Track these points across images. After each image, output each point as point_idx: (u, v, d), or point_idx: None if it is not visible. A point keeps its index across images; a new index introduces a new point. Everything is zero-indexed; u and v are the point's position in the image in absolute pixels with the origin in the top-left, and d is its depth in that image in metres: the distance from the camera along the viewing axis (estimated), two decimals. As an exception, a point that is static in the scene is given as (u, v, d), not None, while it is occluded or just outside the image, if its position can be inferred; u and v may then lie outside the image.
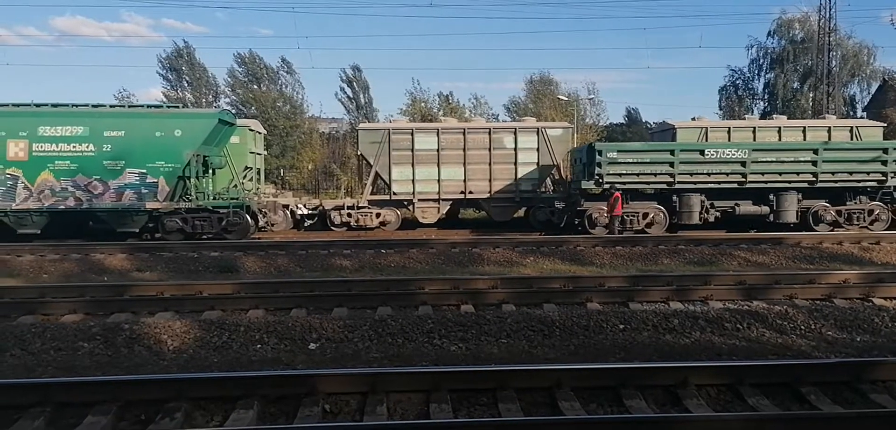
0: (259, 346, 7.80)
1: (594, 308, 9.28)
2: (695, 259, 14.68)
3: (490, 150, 22.98)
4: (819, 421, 5.19)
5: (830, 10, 41.68)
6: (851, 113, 46.38)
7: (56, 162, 18.77)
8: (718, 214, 20.07)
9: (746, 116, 36.83)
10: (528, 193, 22.82)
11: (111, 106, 20.67)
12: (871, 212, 20.02)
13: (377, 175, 23.38)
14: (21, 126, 18.71)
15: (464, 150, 23.00)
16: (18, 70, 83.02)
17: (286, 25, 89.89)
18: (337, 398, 5.82)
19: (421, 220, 23.11)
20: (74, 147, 18.78)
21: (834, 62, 43.25)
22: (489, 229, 22.25)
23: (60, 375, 6.77)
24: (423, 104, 43.23)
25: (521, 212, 23.61)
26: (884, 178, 19.89)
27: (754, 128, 23.84)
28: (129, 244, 17.01)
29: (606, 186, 19.42)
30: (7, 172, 18.72)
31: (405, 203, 23.18)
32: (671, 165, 19.66)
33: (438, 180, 22.99)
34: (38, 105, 19.47)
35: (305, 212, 22.98)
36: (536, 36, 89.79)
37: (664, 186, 19.90)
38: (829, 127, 23.62)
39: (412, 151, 22.98)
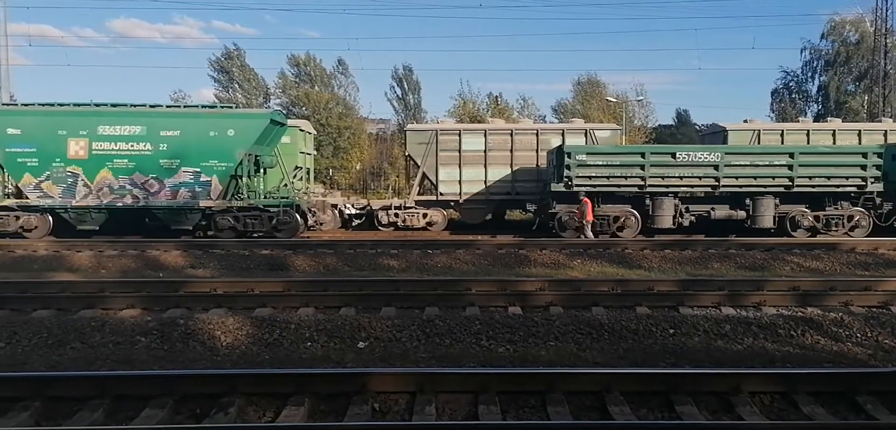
0: (309, 343, 7.92)
1: (643, 312, 9.17)
2: (747, 264, 14.40)
3: (537, 151, 22.91)
4: (877, 432, 5.08)
5: (886, 11, 40.47)
6: (908, 116, 44.96)
7: (115, 160, 19.27)
8: (693, 218, 19.61)
9: (800, 118, 35.98)
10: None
11: (167, 106, 21.14)
12: (850, 218, 19.39)
13: (424, 176, 23.47)
14: (82, 125, 19.26)
15: (511, 151, 22.97)
16: (78, 71, 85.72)
17: (334, 27, 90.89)
18: (386, 397, 5.88)
19: (467, 220, 23.13)
20: (132, 146, 19.26)
21: (889, 64, 41.97)
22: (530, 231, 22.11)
23: (118, 368, 6.98)
24: (471, 105, 43.23)
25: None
26: (863, 183, 19.24)
27: (808, 131, 23.34)
28: (183, 241, 17.40)
29: (576, 188, 19.14)
30: (68, 169, 19.30)
31: (452, 204, 23.24)
32: (642, 168, 19.29)
33: (485, 181, 23.01)
34: (97, 105, 19.99)
35: (353, 212, 23.18)
36: (585, 37, 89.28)
37: (635, 189, 19.54)
38: (886, 130, 23.00)
39: (459, 151, 23.02)
